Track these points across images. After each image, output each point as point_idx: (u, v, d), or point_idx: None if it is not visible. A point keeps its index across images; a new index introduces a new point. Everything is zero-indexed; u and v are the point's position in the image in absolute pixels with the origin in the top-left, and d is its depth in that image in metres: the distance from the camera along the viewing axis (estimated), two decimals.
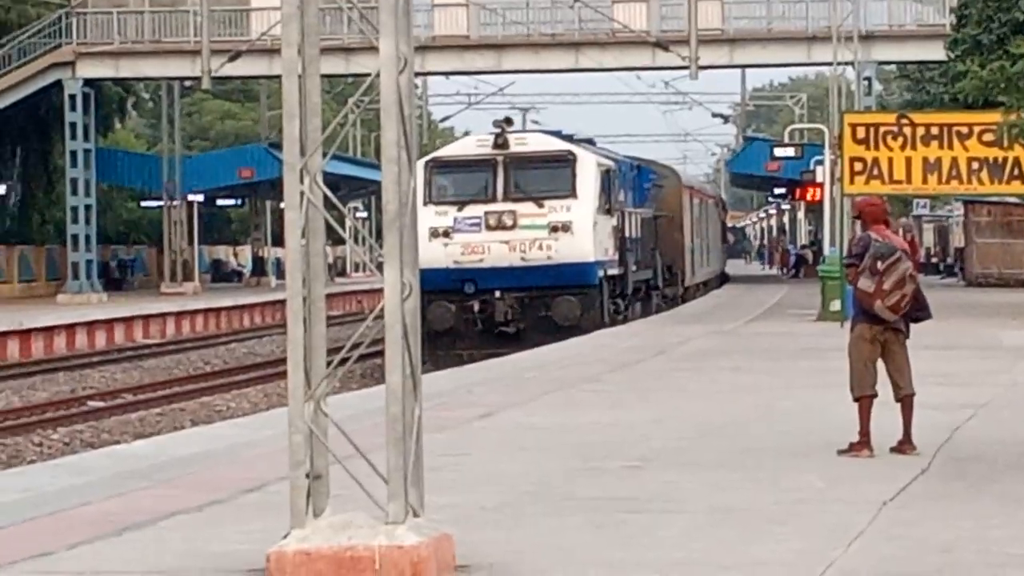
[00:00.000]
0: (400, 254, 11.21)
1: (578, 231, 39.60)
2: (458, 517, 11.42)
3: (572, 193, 40.13)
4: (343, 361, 11.74)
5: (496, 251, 39.64)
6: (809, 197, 79.48)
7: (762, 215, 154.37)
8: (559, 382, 27.87)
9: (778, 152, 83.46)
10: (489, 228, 39.66)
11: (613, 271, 42.67)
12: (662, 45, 67.67)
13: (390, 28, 11.05)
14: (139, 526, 12.94)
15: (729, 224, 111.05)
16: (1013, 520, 12.47)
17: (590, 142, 52.20)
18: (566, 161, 40.89)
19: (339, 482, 10.90)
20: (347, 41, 48.92)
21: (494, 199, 40.52)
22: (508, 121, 48.92)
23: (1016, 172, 40.65)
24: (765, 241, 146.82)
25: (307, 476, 10.87)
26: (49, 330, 58.61)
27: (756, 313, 50.60)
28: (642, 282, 48.81)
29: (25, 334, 56.39)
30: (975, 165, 41.14)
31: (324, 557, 10.39)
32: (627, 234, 45.26)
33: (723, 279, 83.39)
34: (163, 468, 17.13)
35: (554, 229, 39.42)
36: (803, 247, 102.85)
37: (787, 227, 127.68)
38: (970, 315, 34.44)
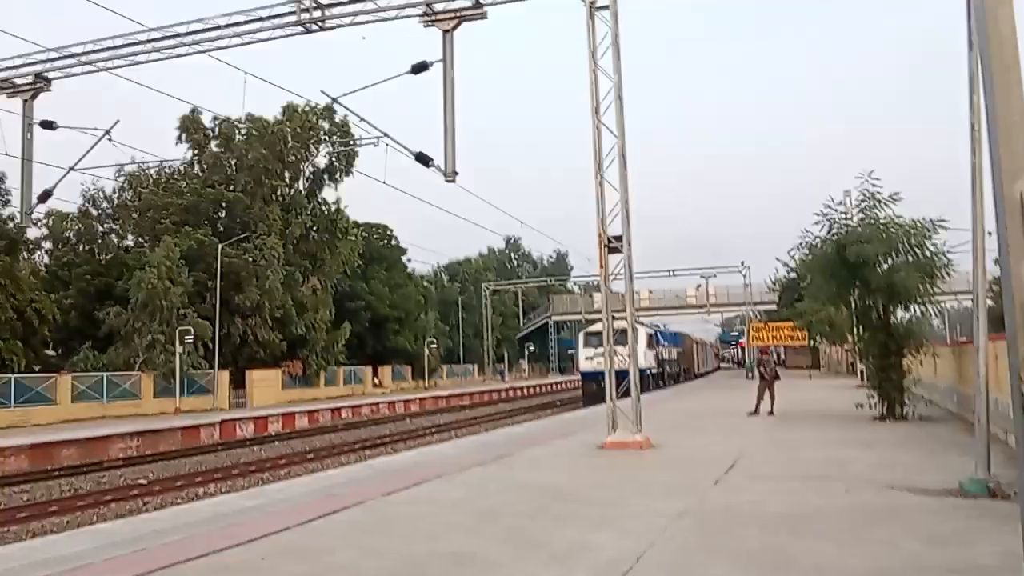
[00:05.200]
0: (618, 356, 11.13)
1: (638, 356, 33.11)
2: (651, 430, 10.98)
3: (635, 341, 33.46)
4: (624, 393, 11.09)
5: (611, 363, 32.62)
6: (740, 344, 74.94)
7: (731, 349, 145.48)
8: (674, 392, 26.23)
9: (733, 334, 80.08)
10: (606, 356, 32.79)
11: (653, 371, 34.05)
12: (696, 306, 64.54)
13: (629, 301, 11.30)
14: (546, 441, 11.96)
15: (722, 353, 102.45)
16: (798, 431, 11.83)
17: (656, 326, 44.60)
18: (633, 329, 34.57)
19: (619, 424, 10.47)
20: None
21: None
22: (613, 319, 41.70)
23: (799, 337, 37.85)
24: (733, 358, 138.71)
25: (612, 421, 10.59)
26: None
27: (729, 376, 47.39)
28: (673, 373, 39.67)
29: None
30: (788, 335, 39.05)
31: (616, 443, 10.28)
32: (663, 356, 37.33)
33: (717, 368, 77.69)
34: (525, 434, 13.72)
35: (628, 355, 33.13)
36: (742, 359, 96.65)
37: (738, 353, 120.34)
38: (787, 378, 31.19)
